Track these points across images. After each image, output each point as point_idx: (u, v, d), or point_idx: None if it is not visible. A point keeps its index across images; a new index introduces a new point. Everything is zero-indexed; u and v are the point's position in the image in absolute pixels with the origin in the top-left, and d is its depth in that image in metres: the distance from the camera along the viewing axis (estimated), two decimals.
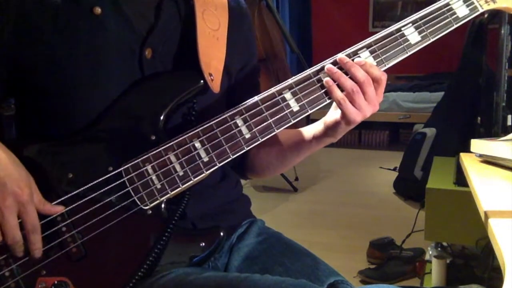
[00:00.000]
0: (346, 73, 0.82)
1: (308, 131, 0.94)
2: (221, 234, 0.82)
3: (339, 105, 0.82)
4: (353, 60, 0.82)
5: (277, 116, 0.81)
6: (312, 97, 0.83)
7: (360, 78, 0.80)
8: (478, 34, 3.03)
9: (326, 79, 0.82)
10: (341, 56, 0.83)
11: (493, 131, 2.20)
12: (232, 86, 0.94)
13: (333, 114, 0.87)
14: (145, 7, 0.85)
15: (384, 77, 0.82)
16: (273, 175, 1.03)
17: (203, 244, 0.80)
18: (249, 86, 0.97)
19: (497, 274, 1.80)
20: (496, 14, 2.35)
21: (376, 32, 0.86)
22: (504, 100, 2.18)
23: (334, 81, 0.81)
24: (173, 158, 0.78)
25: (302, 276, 0.84)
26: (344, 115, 0.82)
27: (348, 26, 5.58)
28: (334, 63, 0.83)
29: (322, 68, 0.83)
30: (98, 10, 0.80)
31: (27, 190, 0.71)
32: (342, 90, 0.82)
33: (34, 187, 0.73)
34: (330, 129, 0.88)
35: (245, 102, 0.81)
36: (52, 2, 0.79)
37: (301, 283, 0.74)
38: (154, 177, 0.78)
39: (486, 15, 2.60)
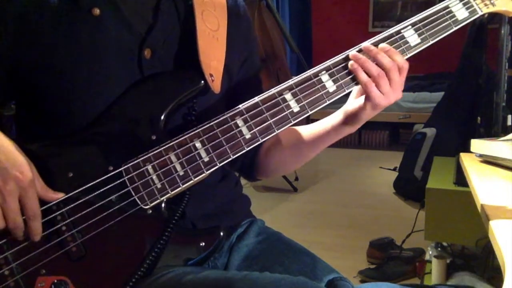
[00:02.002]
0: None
1: (325, 123, 0.93)
2: (221, 234, 0.82)
3: (365, 88, 0.82)
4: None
5: (278, 117, 0.81)
6: (313, 97, 0.83)
7: (387, 65, 0.82)
8: (478, 34, 3.03)
9: (351, 63, 0.83)
10: (365, 44, 0.84)
11: (493, 131, 2.20)
12: (233, 85, 0.94)
13: (356, 102, 0.87)
14: (143, 7, 0.85)
15: (406, 66, 0.84)
16: (287, 172, 1.04)
17: (203, 244, 0.81)
18: (249, 84, 0.97)
19: (497, 274, 1.80)
20: (496, 14, 2.35)
21: (376, 32, 0.87)
22: (504, 100, 2.18)
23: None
24: (173, 158, 0.78)
25: (301, 275, 0.84)
26: (369, 99, 0.83)
27: (348, 26, 5.59)
28: (358, 51, 0.84)
29: (322, 69, 0.84)
30: (97, 11, 0.80)
31: (29, 175, 0.71)
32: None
33: (35, 173, 0.73)
34: (351, 117, 0.88)
35: (245, 103, 0.81)
36: (51, 3, 0.79)
37: (299, 280, 0.74)
38: (154, 177, 0.78)
39: (486, 15, 2.60)
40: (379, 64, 0.82)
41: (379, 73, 0.81)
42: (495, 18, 2.48)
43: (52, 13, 0.79)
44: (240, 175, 1.07)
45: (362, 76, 0.82)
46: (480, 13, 0.90)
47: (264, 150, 0.99)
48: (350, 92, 0.87)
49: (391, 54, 0.83)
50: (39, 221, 0.73)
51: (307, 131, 0.96)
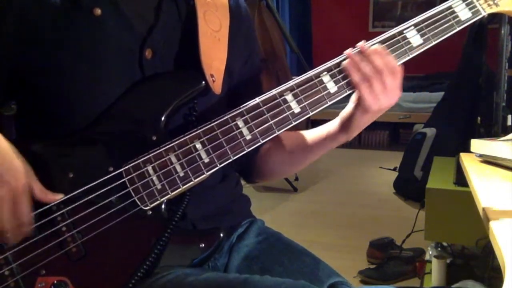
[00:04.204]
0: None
1: (322, 130, 0.94)
2: (221, 235, 0.82)
3: (357, 87, 0.82)
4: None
5: (278, 118, 0.81)
6: (314, 98, 0.83)
7: (379, 65, 0.81)
8: (478, 34, 3.03)
9: (345, 62, 0.82)
10: (361, 43, 0.83)
11: (493, 131, 2.20)
12: (234, 85, 0.94)
13: (349, 106, 0.87)
14: (144, 7, 0.85)
15: (398, 69, 0.83)
16: (284, 176, 1.05)
17: (203, 245, 0.80)
18: (250, 85, 0.97)
19: (497, 274, 1.80)
20: (496, 14, 2.35)
21: (376, 32, 0.86)
22: (504, 100, 2.18)
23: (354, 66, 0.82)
24: (173, 159, 0.78)
25: (301, 276, 0.84)
26: (360, 101, 0.82)
27: (348, 26, 5.58)
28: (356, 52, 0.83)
29: (324, 70, 0.84)
30: (98, 11, 0.79)
31: (23, 181, 0.70)
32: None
33: (33, 178, 0.73)
34: (345, 124, 0.88)
35: (246, 104, 0.81)
36: (52, 3, 0.79)
37: (300, 284, 0.74)
38: (154, 178, 0.77)
39: (487, 15, 2.60)
40: (372, 65, 0.81)
41: (372, 74, 0.81)
42: (495, 18, 2.47)
43: (53, 13, 0.78)
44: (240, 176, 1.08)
45: (355, 76, 0.82)
46: (484, 14, 0.89)
47: (262, 153, 0.99)
48: (352, 93, 0.87)
49: (384, 56, 0.82)
50: (30, 226, 0.72)
51: (305, 136, 0.96)
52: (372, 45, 0.84)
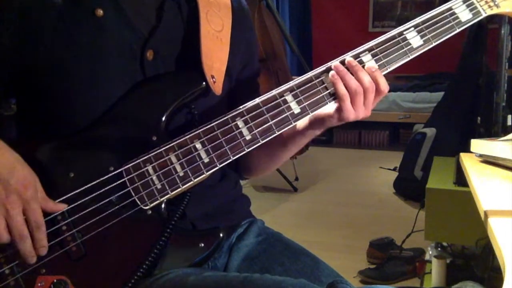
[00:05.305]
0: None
1: (294, 126, 0.93)
2: (221, 235, 0.82)
3: (341, 100, 0.82)
4: (360, 62, 0.83)
5: (278, 118, 0.81)
6: (313, 99, 0.83)
7: (366, 83, 0.82)
8: (478, 34, 3.03)
9: (332, 73, 0.82)
10: (349, 58, 0.83)
11: (493, 131, 2.20)
12: (232, 87, 0.94)
13: (325, 109, 0.86)
14: (146, 8, 0.85)
15: (386, 90, 0.84)
16: (265, 173, 1.04)
17: (202, 245, 0.81)
18: (248, 87, 0.97)
19: (497, 274, 1.80)
20: (496, 14, 2.35)
21: (376, 32, 0.86)
22: (504, 100, 2.18)
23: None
24: (173, 159, 0.78)
25: (301, 276, 0.84)
26: (339, 111, 0.83)
27: (348, 26, 5.58)
28: (342, 63, 0.84)
29: (324, 71, 0.84)
30: (100, 12, 0.80)
31: (31, 187, 0.71)
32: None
33: (38, 185, 0.73)
34: (318, 122, 0.88)
35: (246, 104, 0.81)
36: (54, 3, 0.79)
37: (300, 283, 0.74)
38: (154, 177, 0.78)
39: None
40: (359, 81, 0.82)
41: (357, 89, 0.81)
42: (495, 18, 2.47)
43: (55, 13, 0.79)
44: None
45: (341, 88, 0.82)
46: (484, 15, 0.89)
47: None
48: None
49: (375, 75, 0.82)
50: (43, 231, 0.73)
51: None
52: (377, 46, 0.84)
